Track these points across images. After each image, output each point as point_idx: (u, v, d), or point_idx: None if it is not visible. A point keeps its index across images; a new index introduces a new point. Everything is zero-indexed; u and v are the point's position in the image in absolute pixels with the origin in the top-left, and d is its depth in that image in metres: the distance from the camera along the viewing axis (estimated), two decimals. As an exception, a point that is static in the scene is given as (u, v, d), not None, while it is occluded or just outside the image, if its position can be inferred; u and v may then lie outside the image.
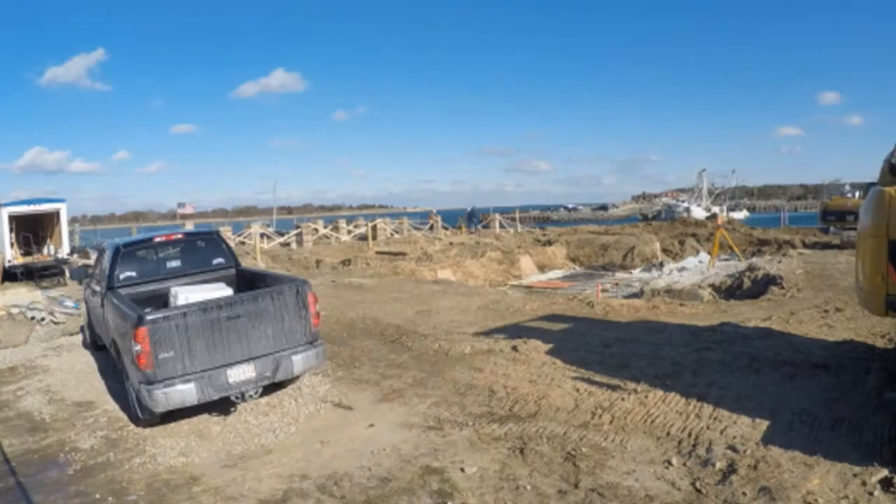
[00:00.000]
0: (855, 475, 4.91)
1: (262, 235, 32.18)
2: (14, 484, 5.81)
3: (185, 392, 6.51)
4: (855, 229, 7.58)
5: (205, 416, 7.30)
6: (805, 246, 27.82)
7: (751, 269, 19.18)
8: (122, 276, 8.56)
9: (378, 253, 28.69)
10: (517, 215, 50.28)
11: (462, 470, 5.52)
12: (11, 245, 22.92)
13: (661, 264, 29.50)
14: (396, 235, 37.99)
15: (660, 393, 7.15)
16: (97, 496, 5.45)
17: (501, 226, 45.49)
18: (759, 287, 16.68)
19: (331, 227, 37.94)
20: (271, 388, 7.63)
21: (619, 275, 28.64)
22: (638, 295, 19.02)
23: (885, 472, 4.85)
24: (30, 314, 14.07)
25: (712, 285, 18.91)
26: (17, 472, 6.06)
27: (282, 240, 34.11)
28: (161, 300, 8.35)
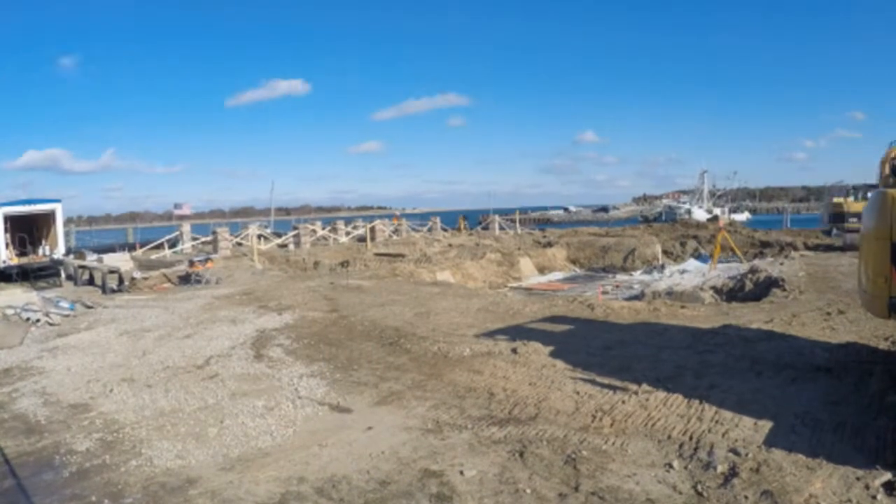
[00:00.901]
0: (858, 479, 4.85)
1: (259, 237, 32.09)
2: (13, 485, 5.76)
3: None
4: None
5: (202, 419, 7.25)
6: (807, 248, 27.76)
7: (753, 271, 19.16)
8: None
9: (377, 254, 28.63)
10: (517, 217, 50.20)
11: (461, 473, 5.47)
12: (7, 246, 22.91)
13: (663, 266, 29.51)
14: (395, 237, 37.92)
15: (661, 396, 7.09)
16: (93, 499, 5.39)
17: (501, 227, 45.43)
18: (761, 289, 16.66)
19: (329, 228, 37.86)
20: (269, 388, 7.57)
21: (620, 277, 28.62)
22: (639, 297, 18.99)
23: (888, 476, 4.80)
24: (25, 315, 14.00)
25: (714, 287, 18.88)
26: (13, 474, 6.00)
27: (279, 241, 34.02)
28: None
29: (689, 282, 20.88)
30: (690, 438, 5.93)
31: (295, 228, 35.69)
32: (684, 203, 75.83)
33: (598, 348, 9.63)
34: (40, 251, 24.07)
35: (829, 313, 11.31)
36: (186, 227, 30.74)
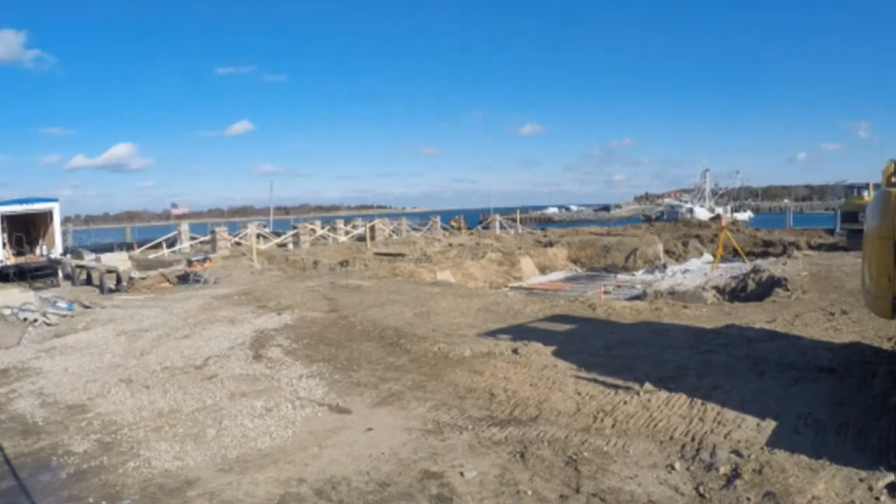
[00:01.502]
0: (861, 480, 4.81)
1: (258, 236, 32.02)
2: (10, 487, 5.72)
3: None
4: None
5: (200, 420, 7.21)
6: (810, 247, 27.69)
7: (755, 270, 19.08)
8: None
9: (376, 254, 28.58)
10: (518, 216, 50.16)
11: (462, 474, 5.43)
12: (3, 245, 22.84)
13: (664, 266, 29.45)
14: (395, 236, 37.87)
15: (663, 396, 7.04)
16: (90, 500, 5.35)
17: (501, 227, 45.39)
18: (764, 289, 16.59)
19: (328, 227, 37.78)
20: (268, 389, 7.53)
21: (622, 276, 28.58)
22: (641, 297, 18.93)
23: (891, 477, 4.75)
24: (22, 315, 13.94)
25: (716, 287, 18.80)
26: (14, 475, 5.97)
27: (278, 240, 33.95)
28: None
29: (691, 281, 20.83)
30: (692, 439, 5.88)
31: (294, 228, 35.62)
32: (686, 202, 75.56)
33: (600, 348, 9.59)
34: (37, 251, 24.01)
35: (832, 313, 11.26)
36: (184, 227, 30.68)
